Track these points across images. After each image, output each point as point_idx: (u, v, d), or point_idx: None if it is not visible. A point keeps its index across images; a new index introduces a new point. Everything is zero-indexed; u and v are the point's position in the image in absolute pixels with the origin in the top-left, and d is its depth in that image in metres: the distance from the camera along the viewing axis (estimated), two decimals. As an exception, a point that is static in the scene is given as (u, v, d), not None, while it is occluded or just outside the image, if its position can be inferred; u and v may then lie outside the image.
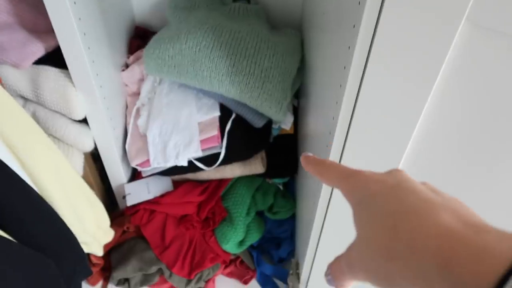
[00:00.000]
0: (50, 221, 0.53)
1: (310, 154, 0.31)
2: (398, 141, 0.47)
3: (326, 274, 0.28)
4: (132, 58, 0.80)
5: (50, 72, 0.63)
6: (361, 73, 0.41)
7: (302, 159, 0.30)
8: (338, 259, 0.27)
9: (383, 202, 0.24)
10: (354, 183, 0.26)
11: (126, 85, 0.79)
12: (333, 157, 0.51)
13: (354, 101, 0.44)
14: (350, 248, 0.26)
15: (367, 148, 0.48)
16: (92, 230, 0.65)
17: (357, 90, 0.42)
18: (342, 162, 0.51)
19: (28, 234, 0.49)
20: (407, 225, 0.22)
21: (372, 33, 0.37)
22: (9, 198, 0.47)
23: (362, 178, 0.26)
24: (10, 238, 0.46)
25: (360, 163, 0.51)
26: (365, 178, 0.26)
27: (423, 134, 0.47)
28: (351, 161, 0.50)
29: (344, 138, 0.48)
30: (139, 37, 0.85)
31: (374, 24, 0.37)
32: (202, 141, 0.73)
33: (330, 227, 0.61)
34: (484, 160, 0.49)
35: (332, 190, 0.56)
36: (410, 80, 0.40)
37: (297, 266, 0.81)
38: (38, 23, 0.65)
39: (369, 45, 0.38)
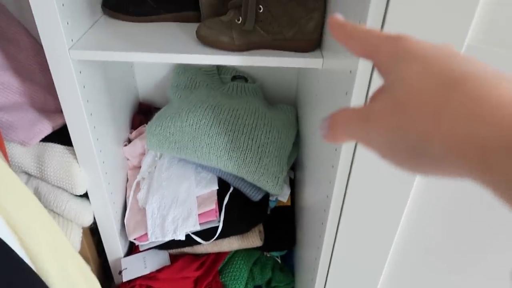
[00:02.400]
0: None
1: (340, 16, 0.24)
2: (390, 219, 0.48)
3: (323, 127, 0.24)
4: (134, 133, 0.83)
5: (56, 149, 0.65)
6: (352, 154, 0.43)
7: (329, 20, 0.24)
8: (349, 110, 0.22)
9: (437, 58, 0.20)
10: (397, 41, 0.22)
11: (128, 159, 0.82)
12: (329, 233, 0.52)
13: (346, 181, 0.46)
14: (374, 99, 0.21)
15: (362, 224, 0.49)
16: (86, 308, 0.63)
17: (348, 171, 0.45)
18: (338, 239, 0.51)
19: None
20: (468, 84, 0.18)
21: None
22: (5, 276, 0.46)
23: (408, 37, 0.22)
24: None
25: (355, 240, 0.51)
26: (411, 38, 0.22)
27: (414, 213, 0.48)
28: (346, 237, 0.51)
29: (339, 216, 0.49)
30: (142, 113, 0.89)
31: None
32: (200, 215, 0.74)
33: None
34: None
35: (330, 265, 0.56)
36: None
37: None
38: (47, 103, 0.69)
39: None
